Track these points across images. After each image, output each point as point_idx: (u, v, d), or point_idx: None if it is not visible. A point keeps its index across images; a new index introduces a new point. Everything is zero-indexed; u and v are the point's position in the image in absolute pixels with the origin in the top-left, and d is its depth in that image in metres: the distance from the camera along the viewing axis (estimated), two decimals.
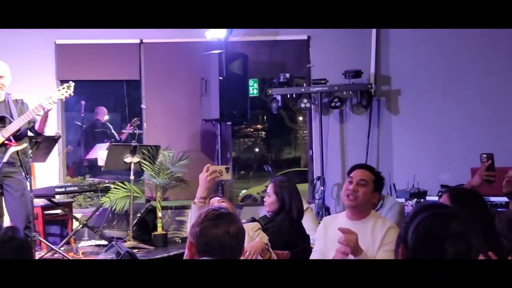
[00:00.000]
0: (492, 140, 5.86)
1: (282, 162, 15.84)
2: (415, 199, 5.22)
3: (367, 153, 6.51)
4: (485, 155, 3.38)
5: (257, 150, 16.41)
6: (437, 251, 1.58)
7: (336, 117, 6.77)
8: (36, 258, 4.84)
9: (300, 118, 14.00)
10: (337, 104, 6.54)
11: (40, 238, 5.20)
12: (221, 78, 6.12)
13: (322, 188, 6.37)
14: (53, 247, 5.19)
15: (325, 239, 3.09)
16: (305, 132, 9.65)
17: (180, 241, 6.08)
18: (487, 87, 6.15)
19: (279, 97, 6.64)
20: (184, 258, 2.10)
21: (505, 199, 4.03)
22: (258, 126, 15.93)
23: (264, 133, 16.18)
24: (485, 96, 6.16)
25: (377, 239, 2.90)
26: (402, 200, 5.18)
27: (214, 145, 6.51)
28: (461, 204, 2.69)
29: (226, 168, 3.26)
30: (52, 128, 5.88)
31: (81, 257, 5.19)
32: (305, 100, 6.58)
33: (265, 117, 15.48)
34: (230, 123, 6.77)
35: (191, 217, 3.13)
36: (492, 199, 4.66)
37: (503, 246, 2.80)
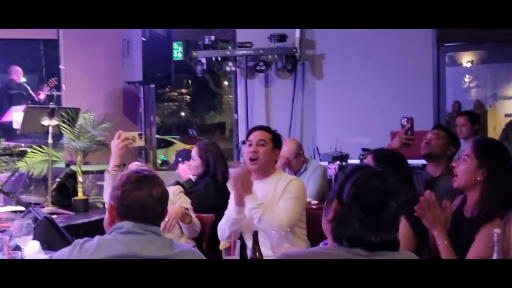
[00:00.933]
0: (411, 104, 6.06)
1: (208, 127, 15.79)
2: (338, 162, 5.33)
3: (291, 117, 6.58)
4: (406, 118, 3.49)
5: (182, 114, 16.25)
6: (377, 205, 1.65)
7: (261, 81, 6.77)
8: None
9: (226, 83, 13.94)
10: (262, 68, 6.53)
11: None
12: (144, 39, 5.95)
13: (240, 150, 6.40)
14: None
15: None
16: (230, 97, 9.62)
17: (102, 206, 5.93)
18: (407, 51, 6.32)
19: (203, 60, 6.55)
20: (104, 222, 2.03)
21: (423, 161, 4.20)
22: (183, 90, 15.73)
23: (188, 97, 16.01)
24: (404, 61, 6.34)
25: (279, 190, 3.05)
26: (325, 163, 5.29)
27: (137, 108, 6.37)
28: (385, 164, 2.77)
29: (139, 134, 3.20)
30: None
31: None
32: (230, 64, 6.52)
33: (189, 81, 15.30)
34: (153, 86, 6.62)
35: (106, 186, 3.06)
36: (411, 161, 4.82)
37: None
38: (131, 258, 1.81)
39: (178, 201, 3.45)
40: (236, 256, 2.60)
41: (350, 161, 5.50)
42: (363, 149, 5.60)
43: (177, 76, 8.31)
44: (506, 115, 9.38)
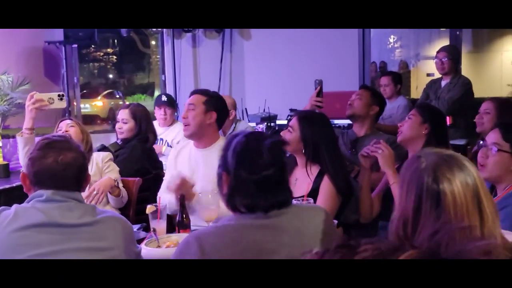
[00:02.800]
0: (337, 65, 6.15)
1: (136, 88, 15.44)
2: (266, 123, 5.36)
3: (220, 78, 6.53)
4: (317, 81, 3.53)
5: (108, 75, 15.80)
6: (260, 167, 1.64)
7: (188, 41, 6.65)
8: None
9: (153, 43, 13.61)
10: (189, 28, 6.41)
11: None
12: None
13: (176, 114, 6.31)
14: None
15: (175, 167, 3.08)
16: (158, 57, 9.41)
17: (23, 171, 5.74)
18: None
19: None
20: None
21: (348, 121, 4.29)
22: (109, 50, 15.24)
23: (115, 57, 15.55)
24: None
25: None
26: (253, 124, 5.31)
27: (59, 70, 6.12)
28: (309, 125, 2.80)
29: (59, 95, 3.06)
30: None
31: None
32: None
33: (115, 41, 14.84)
34: (75, 46, 6.37)
35: (18, 149, 2.94)
36: (337, 121, 4.92)
37: (346, 166, 2.99)
38: (51, 226, 1.76)
39: (106, 169, 3.35)
40: (163, 219, 2.59)
41: (278, 122, 5.54)
42: (291, 110, 5.65)
43: (102, 36, 8.03)
44: (428, 75, 9.71)
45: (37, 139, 2.24)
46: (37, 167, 1.84)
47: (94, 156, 3.38)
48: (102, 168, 3.35)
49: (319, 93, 3.52)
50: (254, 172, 1.63)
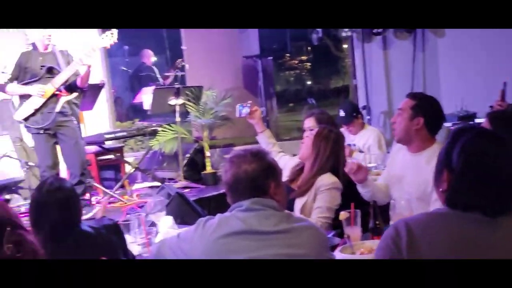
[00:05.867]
0: None
1: (330, 92, 15.62)
2: (465, 122, 5.12)
3: (412, 79, 6.36)
4: (504, 83, 3.28)
5: (303, 82, 16.24)
6: (492, 170, 1.54)
7: (379, 44, 6.59)
8: (93, 203, 5.06)
9: (345, 46, 13.67)
10: (379, 31, 6.36)
11: (95, 184, 5.42)
12: None
13: (368, 117, 6.31)
14: (108, 191, 5.40)
15: (392, 164, 3.11)
16: (350, 60, 9.46)
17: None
18: None
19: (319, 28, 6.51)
20: None
21: None
22: (303, 57, 15.66)
23: (309, 64, 15.92)
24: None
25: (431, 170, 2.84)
26: (449, 124, 5.08)
27: (257, 81, 6.50)
28: (502, 126, 2.62)
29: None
30: (97, 75, 5.99)
31: (136, 199, 5.39)
32: (345, 29, 6.42)
33: (309, 48, 15.19)
34: (271, 58, 6.71)
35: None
36: None
37: None
38: (250, 234, 1.91)
39: None
40: (357, 226, 2.61)
41: (477, 120, 5.24)
42: (491, 107, 5.30)
43: (294, 44, 8.32)
44: None
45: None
46: (224, 181, 2.03)
47: None
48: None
49: (503, 96, 3.28)
50: (483, 175, 1.54)
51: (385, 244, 1.58)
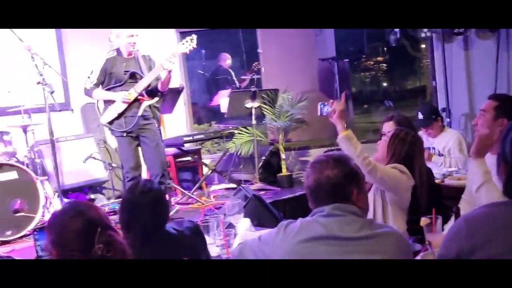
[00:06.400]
0: None
1: (406, 93, 15.27)
2: None
3: (496, 80, 6.12)
4: None
5: (378, 83, 15.97)
6: None
7: (460, 44, 6.38)
8: (172, 203, 5.20)
9: (423, 46, 13.33)
10: (460, 30, 6.16)
11: (174, 185, 5.58)
12: None
13: (448, 119, 6.13)
14: (187, 192, 5.54)
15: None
16: (427, 61, 9.23)
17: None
18: None
19: (396, 29, 6.38)
20: None
21: None
22: (379, 58, 15.40)
23: (385, 65, 15.64)
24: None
25: None
26: None
27: (332, 84, 6.46)
28: None
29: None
30: (175, 79, 6.15)
31: (213, 200, 5.49)
32: (425, 29, 6.26)
33: (384, 49, 14.93)
34: (347, 60, 6.66)
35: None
36: None
37: None
38: (330, 239, 1.91)
39: None
40: (438, 232, 2.55)
41: None
42: None
43: (370, 45, 8.21)
44: None
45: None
46: (306, 185, 2.03)
47: None
48: None
49: None
50: None
51: (447, 241, 1.69)
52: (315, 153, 6.45)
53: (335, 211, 1.96)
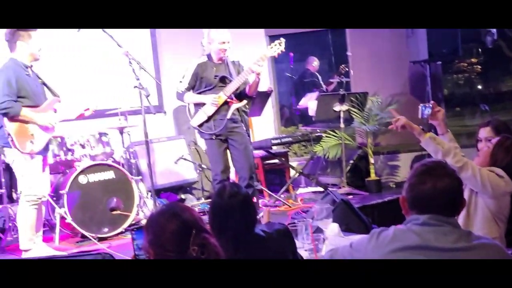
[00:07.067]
0: None
1: (502, 95, 14.57)
2: None
3: None
4: None
5: (472, 85, 15.33)
6: None
7: None
8: (260, 205, 5.25)
9: None
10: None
11: (262, 187, 5.64)
12: None
13: None
14: (274, 195, 5.58)
15: None
16: None
17: (394, 186, 6.09)
18: None
19: (494, 30, 6.12)
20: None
21: None
22: (473, 60, 14.79)
23: (479, 67, 15.00)
24: None
25: None
26: None
27: (424, 87, 6.27)
28: None
29: None
30: (264, 82, 6.21)
31: (300, 203, 5.50)
32: None
33: (479, 50, 14.32)
34: (440, 62, 6.45)
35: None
36: None
37: None
38: (426, 249, 1.86)
39: None
40: None
41: None
42: None
43: (465, 46, 7.91)
44: None
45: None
46: (415, 193, 1.96)
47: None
48: None
49: None
50: None
51: None
52: (404, 158, 6.31)
53: (431, 220, 1.90)
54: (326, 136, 5.93)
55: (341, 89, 6.11)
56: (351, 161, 6.02)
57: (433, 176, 1.93)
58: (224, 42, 4.76)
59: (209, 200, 5.92)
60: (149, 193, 5.10)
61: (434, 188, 1.90)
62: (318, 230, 3.19)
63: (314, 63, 8.21)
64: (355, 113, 5.85)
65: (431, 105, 3.14)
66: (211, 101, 4.73)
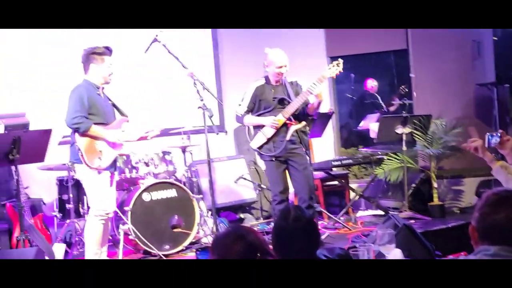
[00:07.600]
0: None
1: None
2: None
3: None
4: None
5: None
6: None
7: None
8: (319, 227, 5.21)
9: None
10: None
11: (321, 209, 5.60)
12: (495, 38, 5.69)
13: None
14: (333, 217, 5.53)
15: None
16: None
17: (458, 211, 5.91)
18: None
19: None
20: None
21: None
22: None
23: None
24: None
25: None
26: None
27: (490, 110, 6.10)
28: None
29: None
30: (325, 104, 6.19)
31: (360, 227, 5.42)
32: None
33: None
34: (507, 85, 6.26)
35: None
36: None
37: None
38: None
39: None
40: None
41: None
42: None
43: None
44: None
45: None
46: (487, 223, 1.89)
47: None
48: None
49: None
50: None
51: None
52: (469, 183, 6.13)
53: (503, 252, 1.84)
54: (388, 159, 5.84)
55: (403, 111, 6.01)
56: (413, 185, 5.90)
57: (507, 206, 1.86)
58: (281, 66, 4.80)
59: (268, 220, 5.95)
60: (209, 212, 5.16)
61: (508, 219, 1.84)
62: (380, 255, 3.13)
63: (372, 84, 8.12)
64: (418, 136, 5.74)
65: (499, 134, 3.04)
66: (270, 123, 4.77)
